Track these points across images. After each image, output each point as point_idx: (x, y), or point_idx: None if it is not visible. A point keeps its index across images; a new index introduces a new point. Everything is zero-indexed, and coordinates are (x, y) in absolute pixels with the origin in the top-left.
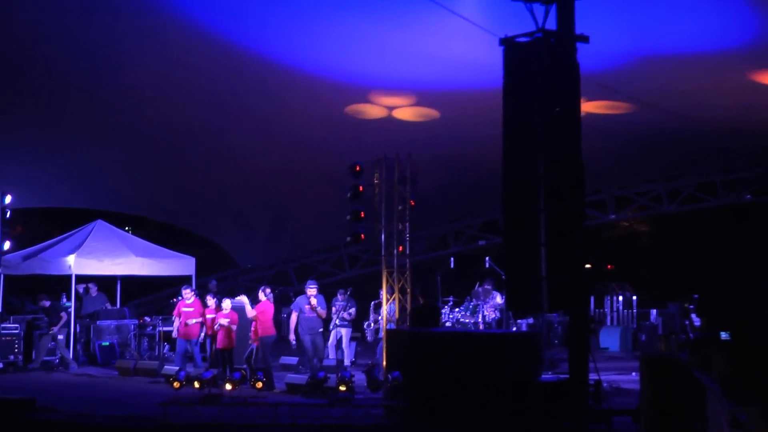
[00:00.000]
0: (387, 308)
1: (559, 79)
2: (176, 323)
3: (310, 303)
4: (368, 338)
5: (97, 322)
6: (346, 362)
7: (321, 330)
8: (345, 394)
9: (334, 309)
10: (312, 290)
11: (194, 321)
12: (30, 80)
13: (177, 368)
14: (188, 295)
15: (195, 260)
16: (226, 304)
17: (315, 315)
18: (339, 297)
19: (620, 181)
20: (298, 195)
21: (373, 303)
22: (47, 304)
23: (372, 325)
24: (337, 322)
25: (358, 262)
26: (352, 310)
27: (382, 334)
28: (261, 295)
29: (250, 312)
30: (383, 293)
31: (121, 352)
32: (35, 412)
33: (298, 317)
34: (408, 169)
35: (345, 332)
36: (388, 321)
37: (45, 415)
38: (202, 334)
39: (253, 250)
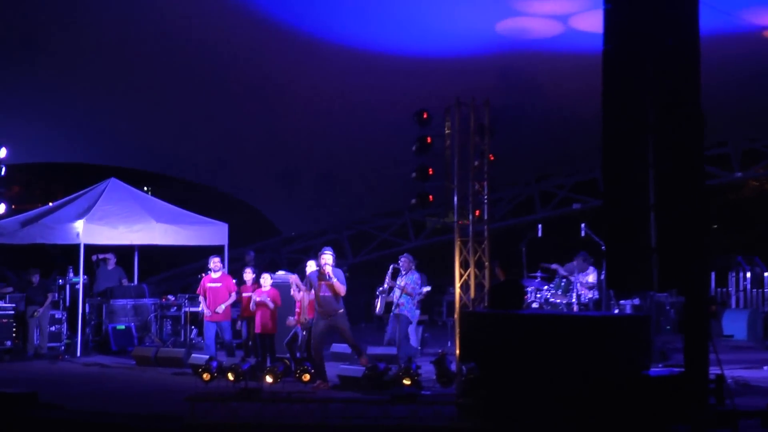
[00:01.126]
0: (405, 280)
1: (672, 1)
2: (204, 303)
3: (321, 272)
4: (377, 310)
5: (111, 302)
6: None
7: (341, 311)
8: (410, 389)
9: (396, 285)
10: (327, 256)
11: (223, 306)
12: (40, 26)
13: (207, 357)
14: (215, 265)
15: (228, 227)
16: (266, 279)
17: (331, 294)
18: (401, 267)
19: (750, 131)
20: (353, 149)
21: (391, 267)
22: (36, 279)
23: (383, 294)
24: (401, 301)
25: (424, 230)
26: (426, 290)
27: (398, 309)
28: (329, 263)
29: (300, 291)
30: (457, 266)
31: (140, 337)
32: (38, 408)
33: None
34: (486, 117)
35: (409, 316)
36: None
37: (49, 412)
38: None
39: (298, 216)
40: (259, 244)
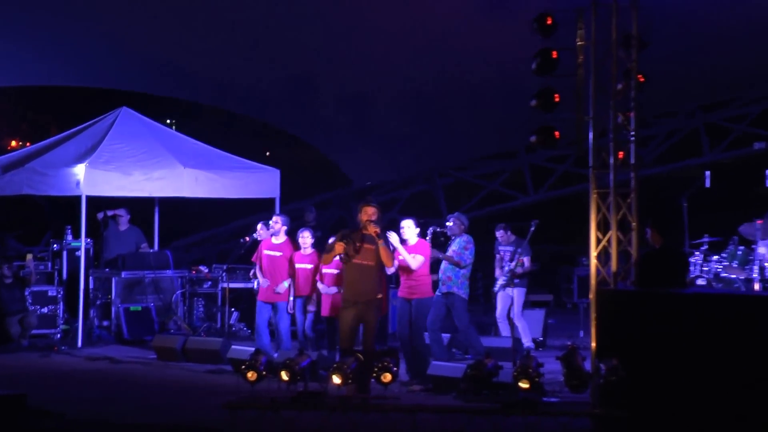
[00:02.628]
0: (452, 247)
1: None
2: (261, 278)
3: (367, 227)
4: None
5: (123, 274)
6: (525, 342)
7: (380, 296)
8: (528, 394)
9: (497, 257)
10: (371, 210)
11: (286, 284)
12: None
13: (253, 350)
14: (276, 223)
15: (280, 174)
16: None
17: (372, 264)
18: (500, 236)
19: None
20: (449, 68)
21: (431, 230)
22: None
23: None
24: (502, 280)
25: (547, 179)
26: (526, 259)
27: (445, 287)
28: (407, 229)
29: (394, 258)
30: (593, 228)
31: (162, 322)
32: (25, 415)
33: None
34: (634, 23)
35: (517, 294)
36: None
37: (39, 421)
38: (291, 298)
39: (374, 159)
40: (322, 196)
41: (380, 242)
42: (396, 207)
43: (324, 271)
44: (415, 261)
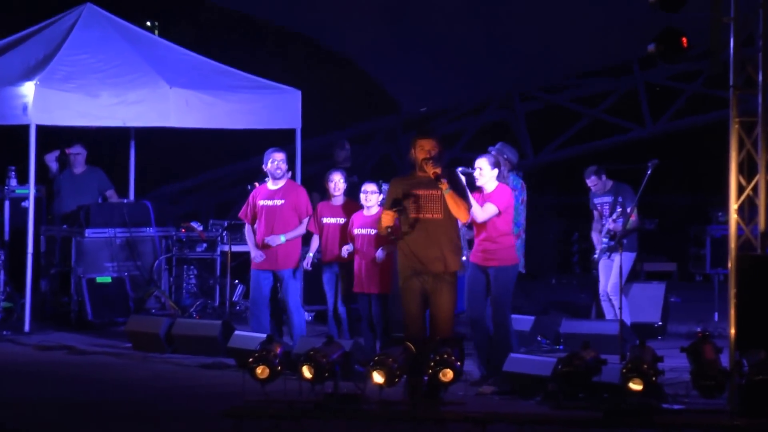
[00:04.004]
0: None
1: None
2: (249, 236)
3: (425, 164)
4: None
5: (87, 233)
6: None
7: (463, 259)
8: (642, 398)
9: (594, 214)
10: (429, 143)
11: (283, 238)
12: None
13: (265, 336)
14: (277, 165)
15: (301, 97)
16: (371, 196)
17: (442, 217)
18: (591, 184)
19: None
20: None
21: (460, 171)
22: None
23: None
24: (603, 243)
25: (671, 104)
26: (634, 219)
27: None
28: (482, 171)
29: (469, 204)
30: (733, 172)
31: (139, 299)
32: None
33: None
34: None
35: (623, 261)
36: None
37: None
38: (307, 261)
39: (431, 78)
40: (360, 128)
41: (444, 187)
42: (460, 142)
43: (355, 231)
44: (484, 211)
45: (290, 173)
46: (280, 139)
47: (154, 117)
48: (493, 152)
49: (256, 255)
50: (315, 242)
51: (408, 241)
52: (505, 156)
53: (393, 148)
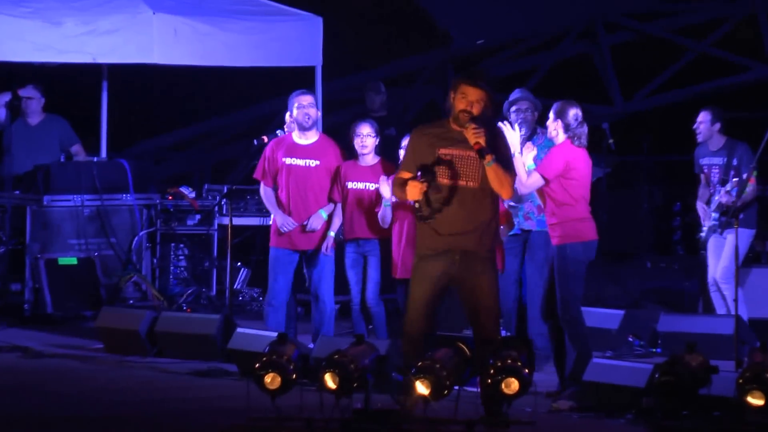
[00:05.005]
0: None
1: None
2: (276, 212)
3: (463, 121)
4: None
5: (46, 201)
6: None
7: (501, 239)
8: (764, 416)
9: (701, 178)
10: (474, 92)
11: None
12: None
13: (276, 335)
14: (305, 113)
15: (322, 24)
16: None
17: (478, 187)
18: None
19: None
20: None
21: (501, 125)
22: None
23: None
24: (712, 218)
25: None
26: (752, 186)
27: (526, 223)
28: (552, 124)
29: (514, 178)
30: None
31: (114, 286)
32: None
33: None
34: None
35: (739, 240)
36: None
37: None
38: (331, 233)
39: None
40: (400, 66)
41: (487, 160)
42: (528, 85)
43: (349, 185)
44: (527, 182)
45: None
46: (294, 80)
47: (133, 51)
48: (522, 95)
49: (284, 222)
50: (338, 215)
51: (436, 212)
52: (535, 104)
53: (441, 93)
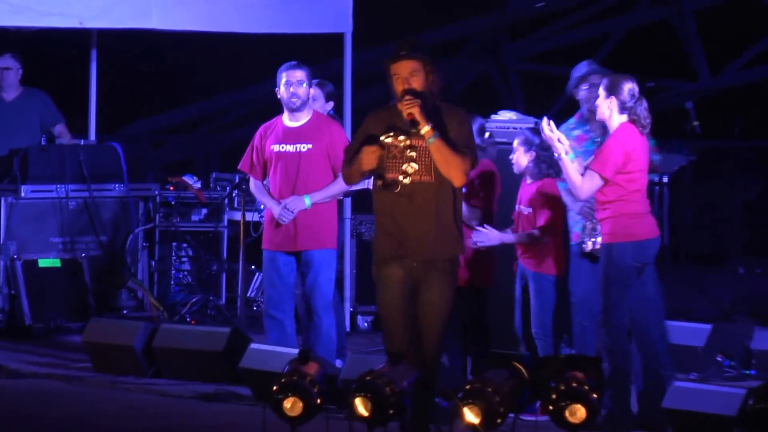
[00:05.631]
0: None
1: None
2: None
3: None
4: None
5: (24, 191)
6: None
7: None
8: None
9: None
10: (405, 65)
11: (308, 201)
12: None
13: (297, 351)
14: (299, 90)
15: None
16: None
17: (426, 176)
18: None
19: None
20: None
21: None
22: None
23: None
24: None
25: None
26: None
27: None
28: (608, 106)
29: (465, 161)
30: None
31: (104, 294)
32: None
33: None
34: None
35: None
36: None
37: None
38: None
39: None
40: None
41: (425, 133)
42: (599, 53)
43: (275, 149)
44: (584, 182)
45: (331, 105)
46: (319, 49)
47: (128, 15)
48: (589, 69)
49: (282, 212)
50: (337, 185)
51: (388, 212)
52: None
53: (493, 64)
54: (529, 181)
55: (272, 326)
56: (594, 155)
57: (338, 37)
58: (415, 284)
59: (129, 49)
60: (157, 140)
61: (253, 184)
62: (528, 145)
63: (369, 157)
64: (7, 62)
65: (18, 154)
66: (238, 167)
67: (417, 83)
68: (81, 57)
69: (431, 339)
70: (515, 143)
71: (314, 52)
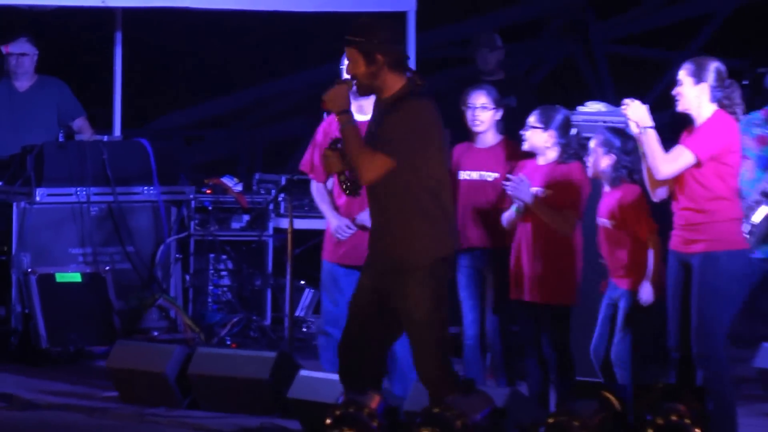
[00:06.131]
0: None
1: None
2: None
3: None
4: None
5: (39, 196)
6: None
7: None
8: None
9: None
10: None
11: None
12: None
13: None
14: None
15: None
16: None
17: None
18: None
19: None
20: None
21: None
22: None
23: None
24: None
25: None
26: None
27: None
28: (698, 93)
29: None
30: None
31: (132, 313)
32: None
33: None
34: None
35: None
36: None
37: None
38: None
39: None
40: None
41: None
42: (699, 38)
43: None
44: (670, 160)
45: None
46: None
47: None
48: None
49: (339, 226)
50: None
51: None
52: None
53: (579, 47)
54: (607, 189)
55: (328, 345)
56: (684, 137)
57: (400, 17)
58: (387, 296)
59: (158, 32)
60: (191, 136)
61: (315, 187)
62: (608, 146)
63: (325, 162)
64: (24, 47)
65: (32, 153)
66: (299, 167)
67: (359, 69)
68: (104, 41)
69: (423, 354)
70: (592, 144)
71: None
